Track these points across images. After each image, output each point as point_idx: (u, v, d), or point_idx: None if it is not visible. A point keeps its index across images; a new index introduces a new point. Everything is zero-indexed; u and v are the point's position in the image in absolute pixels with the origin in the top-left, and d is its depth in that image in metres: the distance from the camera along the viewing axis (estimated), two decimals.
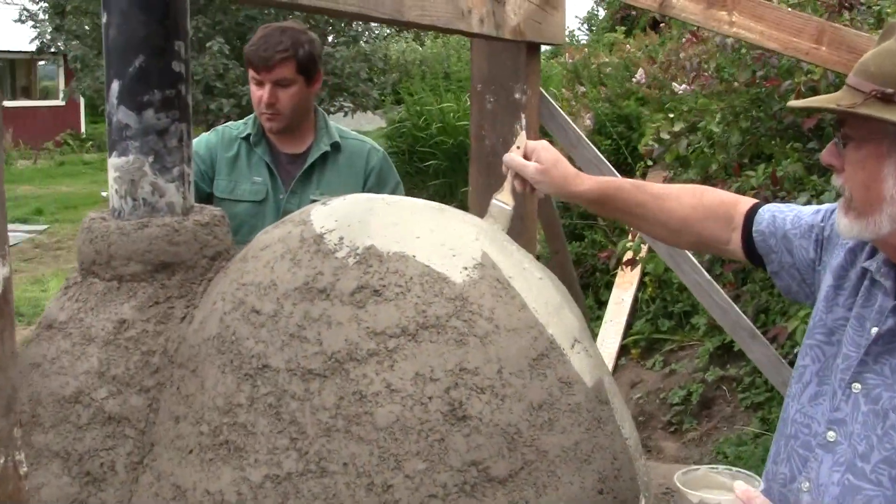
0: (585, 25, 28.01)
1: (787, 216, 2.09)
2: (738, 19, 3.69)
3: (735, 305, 4.23)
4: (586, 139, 4.27)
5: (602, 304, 7.84)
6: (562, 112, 4.30)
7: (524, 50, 3.77)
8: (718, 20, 3.72)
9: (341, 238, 1.92)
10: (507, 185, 2.29)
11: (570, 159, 2.58)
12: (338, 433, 1.75)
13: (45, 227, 15.16)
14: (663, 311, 7.33)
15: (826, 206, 2.07)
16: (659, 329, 7.26)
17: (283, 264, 1.92)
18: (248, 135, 3.44)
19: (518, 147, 2.29)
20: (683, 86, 6.01)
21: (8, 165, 21.46)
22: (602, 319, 7.50)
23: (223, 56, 15.23)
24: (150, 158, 2.09)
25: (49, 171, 21.59)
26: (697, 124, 5.39)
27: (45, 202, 17.20)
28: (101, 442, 1.95)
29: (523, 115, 3.81)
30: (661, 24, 10.68)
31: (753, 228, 2.11)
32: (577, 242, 8.22)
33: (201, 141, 3.42)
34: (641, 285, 7.52)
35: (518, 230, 3.81)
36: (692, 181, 5.03)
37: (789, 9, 4.18)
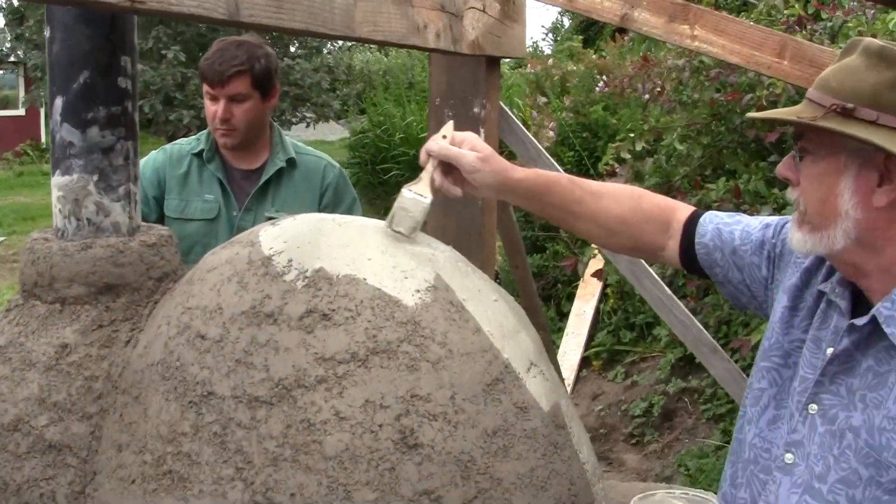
0: (551, 35, 28.16)
1: (733, 230, 2.05)
2: (700, 33, 3.68)
3: (696, 320, 4.21)
4: (546, 154, 4.24)
5: (564, 316, 7.84)
6: (521, 126, 4.27)
7: (483, 64, 3.73)
8: (680, 34, 3.70)
9: (290, 260, 1.88)
10: (425, 177, 2.05)
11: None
12: (285, 462, 1.70)
13: (1, 238, 14.97)
14: (625, 322, 7.34)
15: (775, 219, 2.05)
16: (621, 340, 7.27)
17: (230, 287, 1.86)
18: (201, 151, 3.37)
19: (444, 136, 2.09)
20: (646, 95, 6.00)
21: None
22: (564, 331, 7.49)
23: (181, 65, 15.12)
24: (95, 177, 2.04)
25: (7, 182, 21.32)
26: (660, 142, 5.38)
27: (2, 213, 16.97)
28: (41, 471, 1.90)
29: (482, 129, 3.77)
30: (627, 36, 10.72)
31: (696, 240, 2.07)
32: (538, 255, 8.21)
33: (147, 162, 3.33)
34: (603, 297, 7.52)
35: (477, 244, 3.78)
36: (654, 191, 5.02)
37: (751, 23, 4.17)
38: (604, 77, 8.68)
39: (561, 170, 4.10)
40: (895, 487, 1.63)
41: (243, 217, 3.33)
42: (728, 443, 5.34)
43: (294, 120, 17.61)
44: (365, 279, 1.85)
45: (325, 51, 18.32)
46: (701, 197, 4.75)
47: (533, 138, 4.28)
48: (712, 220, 2.08)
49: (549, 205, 2.15)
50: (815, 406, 1.77)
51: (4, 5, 18.66)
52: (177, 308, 1.91)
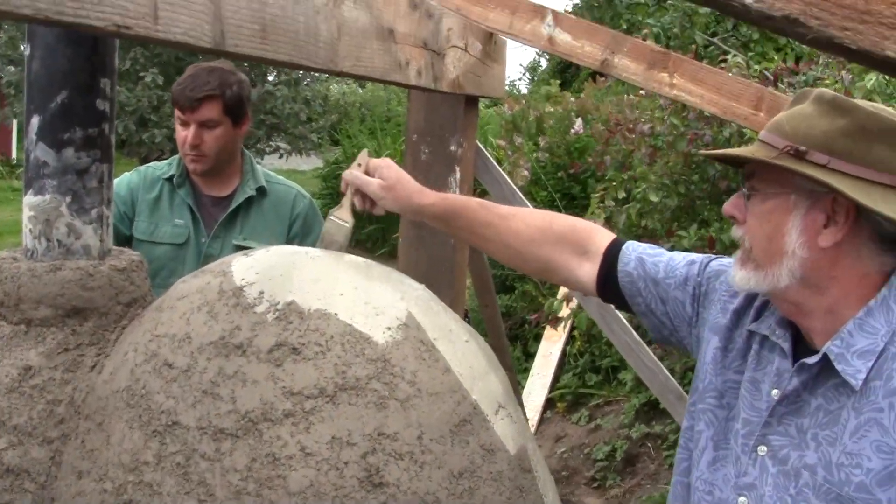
0: (528, 75, 28.32)
1: (658, 262, 2.07)
2: (678, 81, 3.70)
3: (663, 367, 4.21)
4: (520, 194, 4.25)
5: (530, 357, 7.83)
6: (496, 165, 4.28)
7: (462, 102, 3.74)
8: (659, 81, 3.72)
9: (262, 292, 1.86)
10: (346, 202, 2.27)
11: None
12: (248, 497, 1.68)
13: None
14: (591, 365, 7.34)
15: (700, 256, 2.07)
16: (586, 383, 7.26)
17: (200, 317, 1.84)
18: (172, 176, 3.34)
19: (359, 164, 2.27)
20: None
21: None
22: (530, 372, 7.47)
23: (157, 87, 15.08)
24: (68, 198, 2.01)
25: None
26: (635, 193, 5.40)
27: None
28: None
29: (458, 167, 3.78)
30: (604, 78, 10.78)
31: (619, 267, 2.09)
32: (506, 295, 8.20)
33: (122, 181, 3.31)
34: (570, 339, 7.52)
35: (448, 282, 3.77)
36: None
37: (730, 73, 4.20)
38: (579, 119, 8.70)
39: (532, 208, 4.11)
40: None
41: (211, 244, 3.31)
42: None
43: (268, 150, 17.57)
44: (336, 314, 1.84)
45: (303, 83, 18.32)
46: (673, 244, 4.77)
47: (507, 178, 4.29)
48: (635, 250, 2.11)
49: (459, 228, 2.24)
50: (764, 448, 1.79)
51: None
52: (145, 335, 1.89)
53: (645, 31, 8.20)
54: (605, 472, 6.28)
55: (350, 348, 1.80)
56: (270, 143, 17.57)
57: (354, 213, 2.28)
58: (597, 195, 5.57)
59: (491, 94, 3.94)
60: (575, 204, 8.77)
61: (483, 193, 4.32)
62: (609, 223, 5.31)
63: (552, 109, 8.61)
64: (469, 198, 2.28)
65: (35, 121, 2.01)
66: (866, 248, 1.72)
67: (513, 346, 7.70)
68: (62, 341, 1.95)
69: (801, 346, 1.82)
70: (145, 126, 15.47)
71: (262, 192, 3.40)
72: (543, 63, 25.88)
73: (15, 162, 26.49)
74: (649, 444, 6.31)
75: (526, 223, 2.17)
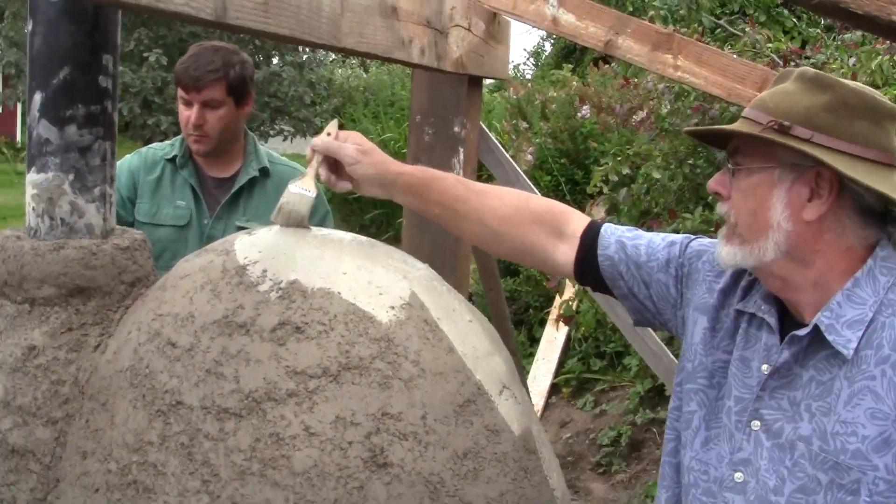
0: (532, 59, 28.24)
1: (638, 245, 2.07)
2: (682, 63, 3.68)
3: (668, 351, 4.20)
4: (524, 176, 4.24)
5: (535, 341, 7.81)
6: (501, 147, 4.26)
7: (465, 83, 3.72)
8: (663, 63, 3.70)
9: (265, 271, 1.85)
10: (310, 172, 2.13)
11: None
12: (252, 476, 1.67)
13: None
14: (595, 350, 7.32)
15: (679, 237, 2.07)
16: (590, 368, 7.24)
17: (203, 295, 1.83)
18: (174, 156, 3.33)
19: (329, 133, 2.15)
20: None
21: None
22: (534, 357, 7.46)
23: (161, 69, 15.03)
24: (71, 176, 2.00)
25: None
26: (639, 169, 5.37)
27: None
28: (3, 476, 1.86)
29: (462, 149, 3.76)
30: (609, 63, 10.75)
31: (599, 251, 2.07)
32: (511, 279, 8.18)
33: (123, 165, 3.29)
34: (575, 324, 7.50)
35: (451, 266, 3.76)
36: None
37: (735, 55, 4.18)
38: (585, 106, 8.67)
39: (538, 193, 4.09)
40: (856, 487, 1.68)
41: (214, 225, 3.30)
42: None
43: (272, 132, 17.54)
44: (339, 293, 1.83)
45: (309, 66, 18.27)
46: (677, 226, 4.75)
47: (511, 160, 4.27)
48: (613, 233, 2.09)
49: (432, 203, 2.15)
50: (757, 423, 1.80)
51: None
52: (148, 314, 1.88)
53: (651, 13, 8.16)
54: (610, 457, 6.27)
55: (353, 327, 1.78)
56: (274, 125, 17.52)
57: (318, 184, 2.14)
58: (600, 169, 5.54)
59: (494, 75, 3.92)
60: (578, 189, 8.73)
61: (489, 178, 4.31)
62: (612, 210, 5.30)
63: (555, 94, 8.59)
64: (444, 172, 2.24)
65: (37, 97, 1.99)
66: (850, 221, 1.76)
67: (517, 331, 7.68)
68: (66, 321, 1.94)
69: (787, 321, 1.84)
70: (149, 109, 15.43)
71: (265, 172, 3.38)
72: (548, 47, 25.83)
73: (19, 145, 26.45)
74: (654, 430, 6.30)
75: (502, 200, 2.14)
